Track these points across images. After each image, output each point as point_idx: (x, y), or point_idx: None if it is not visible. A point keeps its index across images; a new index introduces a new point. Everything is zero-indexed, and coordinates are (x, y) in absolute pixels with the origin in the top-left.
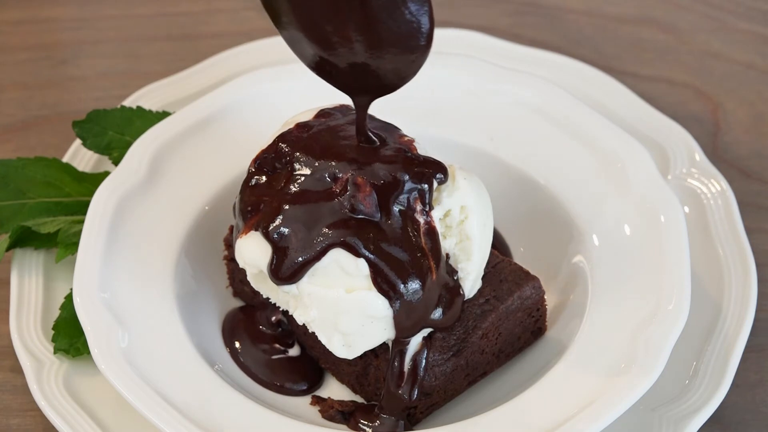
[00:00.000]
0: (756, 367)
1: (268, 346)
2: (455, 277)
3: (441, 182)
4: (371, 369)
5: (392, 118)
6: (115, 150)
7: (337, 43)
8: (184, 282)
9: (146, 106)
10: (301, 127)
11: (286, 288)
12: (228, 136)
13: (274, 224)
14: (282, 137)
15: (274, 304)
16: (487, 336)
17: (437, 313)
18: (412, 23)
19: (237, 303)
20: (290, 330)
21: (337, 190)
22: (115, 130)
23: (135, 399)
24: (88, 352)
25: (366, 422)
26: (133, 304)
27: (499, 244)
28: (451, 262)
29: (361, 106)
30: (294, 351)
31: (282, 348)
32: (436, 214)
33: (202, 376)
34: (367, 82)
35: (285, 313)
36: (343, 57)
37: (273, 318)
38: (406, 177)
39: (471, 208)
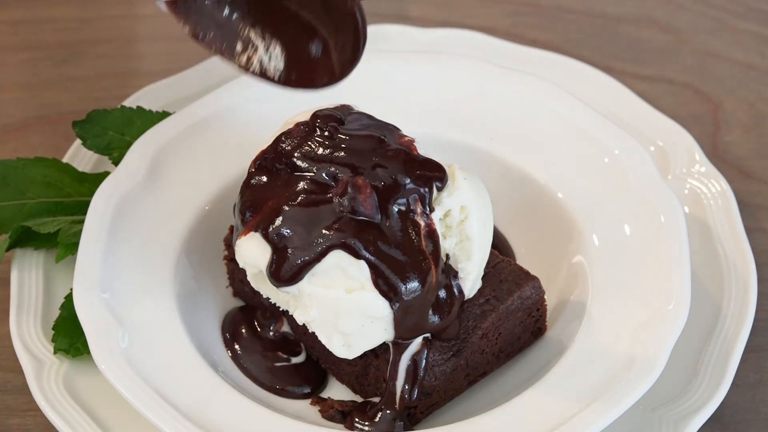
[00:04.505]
0: (756, 367)
1: (272, 354)
2: (455, 278)
3: (440, 189)
4: (371, 369)
5: (392, 118)
6: (115, 150)
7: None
8: (184, 282)
9: (146, 106)
10: (301, 127)
11: (286, 288)
12: (228, 136)
13: (274, 225)
14: (282, 137)
15: (276, 305)
16: (487, 336)
17: (436, 316)
18: None
19: (237, 303)
20: (296, 340)
21: (338, 192)
22: (115, 130)
23: (135, 399)
24: (88, 352)
25: (362, 421)
26: (133, 304)
27: (500, 244)
28: (451, 262)
29: None
30: (298, 359)
31: (285, 356)
32: (436, 215)
33: (202, 376)
34: None
35: (285, 312)
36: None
37: (275, 330)
38: (407, 179)
39: (471, 208)
